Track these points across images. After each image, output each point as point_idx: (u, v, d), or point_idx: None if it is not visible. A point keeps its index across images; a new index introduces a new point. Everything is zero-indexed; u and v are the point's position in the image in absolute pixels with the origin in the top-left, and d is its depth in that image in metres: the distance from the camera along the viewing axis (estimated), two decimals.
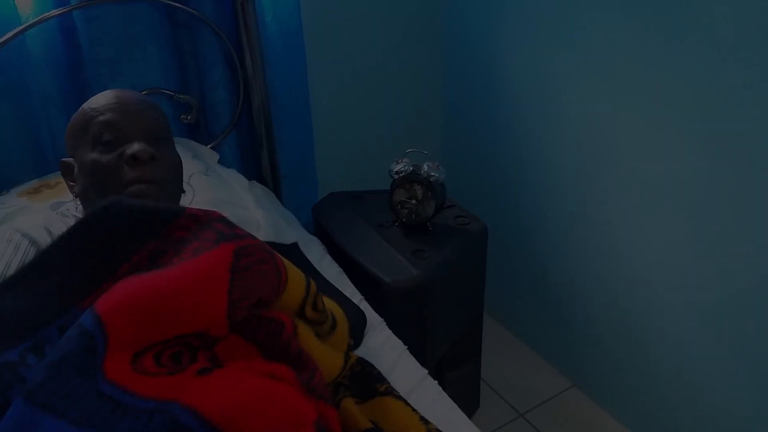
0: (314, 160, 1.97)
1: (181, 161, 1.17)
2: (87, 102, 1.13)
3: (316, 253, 1.59)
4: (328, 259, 1.60)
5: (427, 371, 1.26)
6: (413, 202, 1.64)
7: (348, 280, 1.55)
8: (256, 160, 1.86)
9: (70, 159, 1.13)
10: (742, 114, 1.37)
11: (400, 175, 1.63)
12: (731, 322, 1.53)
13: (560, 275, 2.00)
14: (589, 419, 1.97)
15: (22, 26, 1.42)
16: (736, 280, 1.49)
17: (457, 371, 1.82)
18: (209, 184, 1.49)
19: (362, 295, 1.49)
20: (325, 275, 1.51)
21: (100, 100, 1.12)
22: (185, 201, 1.40)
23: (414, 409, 1.09)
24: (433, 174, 1.61)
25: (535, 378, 2.12)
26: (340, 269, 1.58)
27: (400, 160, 1.65)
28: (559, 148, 1.85)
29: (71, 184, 1.14)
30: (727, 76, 1.37)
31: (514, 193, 2.08)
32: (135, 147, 1.06)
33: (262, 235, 1.48)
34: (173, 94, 1.66)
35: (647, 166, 1.61)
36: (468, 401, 1.93)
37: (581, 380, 2.06)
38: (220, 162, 1.78)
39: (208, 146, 1.75)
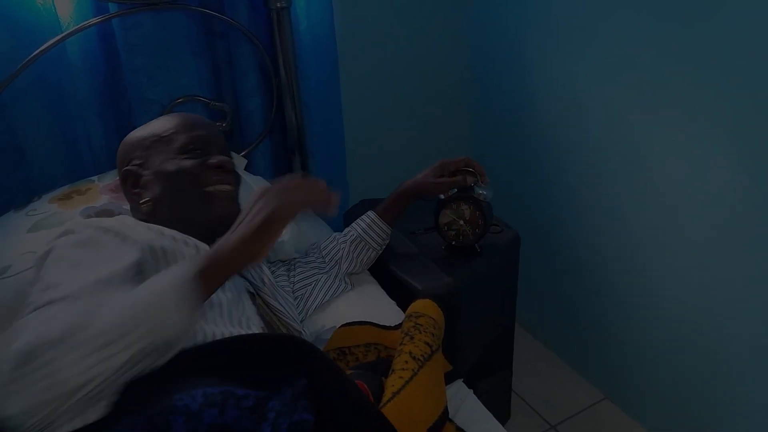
0: (346, 168, 1.97)
1: None
2: (161, 121, 1.26)
3: None
4: None
5: (462, 379, 1.25)
6: (461, 222, 1.57)
7: (379, 286, 1.55)
8: (288, 168, 1.87)
9: (136, 168, 1.21)
10: None
11: (447, 195, 1.54)
12: None
13: (593, 287, 1.98)
14: None
15: (63, 34, 1.44)
16: None
17: (488, 381, 1.80)
18: None
19: (394, 301, 1.49)
20: (356, 281, 1.53)
21: (181, 119, 1.25)
22: None
23: (450, 419, 1.08)
24: (481, 192, 1.52)
25: (567, 390, 2.10)
26: (372, 276, 1.58)
27: None
28: (594, 157, 1.83)
29: (136, 191, 1.21)
30: (764, 85, 1.35)
31: (546, 204, 2.07)
32: (221, 157, 1.22)
33: (286, 248, 1.50)
34: (209, 101, 1.67)
35: (683, 176, 1.58)
36: (499, 412, 1.91)
37: (614, 392, 2.04)
38: (252, 168, 1.80)
39: (242, 153, 1.76)
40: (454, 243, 1.60)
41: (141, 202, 1.19)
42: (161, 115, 1.63)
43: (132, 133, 1.27)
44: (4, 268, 1.27)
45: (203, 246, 1.13)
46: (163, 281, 0.84)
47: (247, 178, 1.64)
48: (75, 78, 1.53)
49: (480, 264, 1.59)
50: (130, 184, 1.22)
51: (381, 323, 1.34)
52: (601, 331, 1.99)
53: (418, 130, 2.22)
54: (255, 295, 1.26)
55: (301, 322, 1.37)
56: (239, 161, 1.73)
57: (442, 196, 1.54)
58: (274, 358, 0.90)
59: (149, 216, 1.19)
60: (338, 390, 0.86)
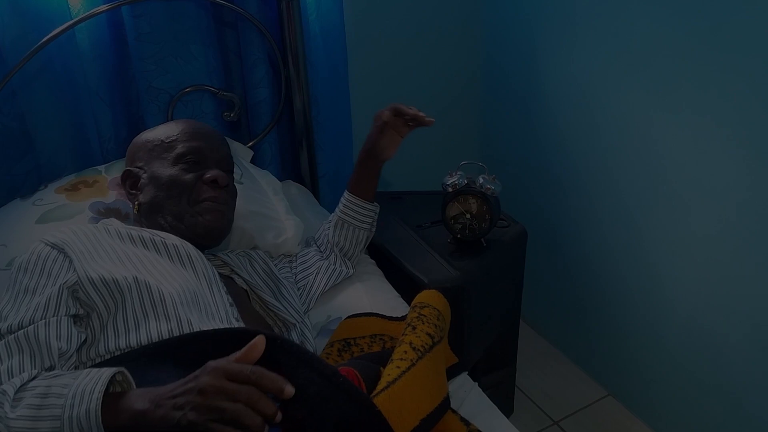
0: (353, 161, 1.96)
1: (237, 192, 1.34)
2: (168, 126, 1.30)
3: None
4: (365, 257, 1.60)
5: (466, 372, 1.25)
6: (468, 216, 1.57)
7: (385, 278, 1.55)
8: (295, 159, 1.87)
9: (137, 170, 1.26)
10: None
11: (454, 187, 1.55)
12: None
13: (598, 283, 1.97)
14: (625, 429, 1.94)
15: (72, 21, 1.44)
16: None
17: (492, 376, 1.81)
18: (241, 195, 1.48)
19: (399, 294, 1.49)
20: (361, 273, 1.53)
21: (186, 127, 1.28)
22: None
23: (454, 410, 1.08)
24: (489, 186, 1.52)
25: (571, 386, 2.10)
26: (378, 268, 1.58)
27: (453, 173, 1.57)
28: (603, 154, 1.83)
29: (133, 192, 1.26)
30: None
31: (554, 200, 2.06)
32: (217, 172, 1.24)
33: (290, 244, 1.50)
34: (217, 91, 1.67)
35: (692, 173, 1.58)
36: (502, 407, 1.90)
37: (617, 389, 2.03)
38: (259, 159, 1.79)
39: (249, 144, 1.76)
40: (460, 236, 1.59)
41: (134, 204, 1.24)
42: (169, 104, 1.64)
43: (142, 133, 1.32)
44: (13, 260, 1.27)
45: (172, 240, 1.15)
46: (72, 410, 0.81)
47: (254, 172, 1.64)
48: (84, 65, 1.53)
49: (486, 258, 1.59)
50: (129, 185, 1.27)
51: (387, 314, 1.34)
52: (606, 328, 1.99)
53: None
54: (249, 292, 1.27)
55: (305, 312, 1.37)
56: (245, 153, 1.73)
57: (447, 187, 1.53)
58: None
59: (139, 217, 1.24)
60: (308, 366, 0.86)
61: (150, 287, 1.02)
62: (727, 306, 1.59)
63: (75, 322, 1.00)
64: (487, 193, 1.53)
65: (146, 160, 1.26)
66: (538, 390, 2.08)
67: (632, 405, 1.98)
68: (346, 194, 1.49)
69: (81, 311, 1.00)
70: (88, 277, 1.00)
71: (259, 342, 0.84)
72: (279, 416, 0.79)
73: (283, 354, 0.86)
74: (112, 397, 0.82)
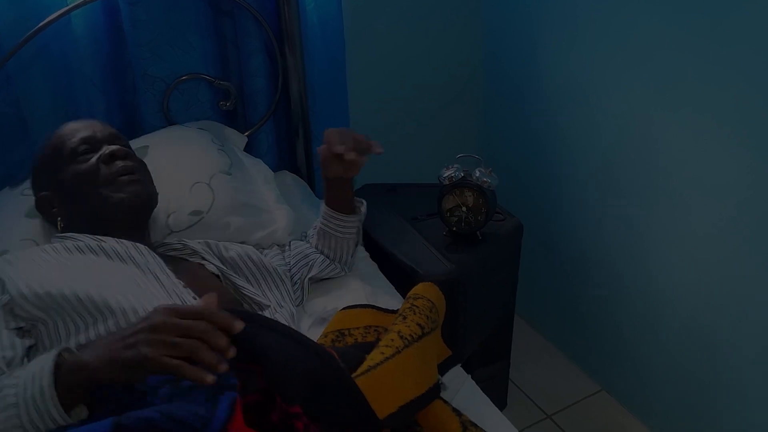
0: None
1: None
2: (46, 140, 1.26)
3: None
4: (360, 248, 1.60)
5: (459, 364, 1.25)
6: (463, 209, 1.57)
7: (380, 270, 1.54)
8: (291, 150, 1.86)
9: (44, 193, 1.23)
10: None
11: (451, 180, 1.54)
12: None
13: (594, 279, 1.97)
14: (618, 424, 1.94)
15: (68, 7, 1.43)
16: None
17: (486, 369, 1.81)
18: (230, 186, 1.48)
19: (394, 286, 1.49)
20: (356, 265, 1.52)
21: (62, 128, 1.25)
22: (206, 205, 1.41)
23: (446, 401, 1.08)
24: (485, 179, 1.52)
25: (564, 381, 2.10)
26: (372, 260, 1.58)
27: (450, 166, 1.56)
28: (602, 150, 1.82)
29: (54, 211, 1.23)
30: None
31: (551, 195, 2.06)
32: (111, 147, 1.21)
33: (280, 234, 1.49)
34: (213, 80, 1.66)
35: (692, 172, 1.58)
36: (495, 400, 1.90)
37: (610, 385, 2.04)
38: (255, 149, 1.79)
39: (245, 133, 1.75)
40: (455, 229, 1.59)
41: (57, 221, 1.22)
42: (165, 92, 1.63)
43: (35, 158, 1.28)
44: (1, 253, 1.26)
45: (111, 243, 1.14)
46: (20, 391, 0.81)
47: (245, 160, 1.63)
48: (79, 51, 1.51)
49: (481, 251, 1.59)
50: (47, 210, 1.24)
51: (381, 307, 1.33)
52: (602, 325, 1.99)
53: (423, 116, 2.20)
54: (222, 277, 1.27)
55: (298, 304, 1.37)
56: (239, 140, 1.72)
57: (444, 180, 1.53)
58: None
59: (69, 231, 1.20)
60: (271, 330, 0.86)
61: (88, 291, 1.02)
62: (726, 305, 1.59)
63: (19, 335, 1.00)
64: (484, 186, 1.52)
65: (46, 179, 1.24)
66: (532, 384, 2.08)
67: (626, 401, 1.98)
68: (324, 207, 1.45)
69: (23, 324, 1.01)
70: (20, 294, 1.00)
71: (210, 297, 0.83)
72: (233, 350, 0.78)
73: (245, 323, 0.86)
74: (62, 367, 0.82)
